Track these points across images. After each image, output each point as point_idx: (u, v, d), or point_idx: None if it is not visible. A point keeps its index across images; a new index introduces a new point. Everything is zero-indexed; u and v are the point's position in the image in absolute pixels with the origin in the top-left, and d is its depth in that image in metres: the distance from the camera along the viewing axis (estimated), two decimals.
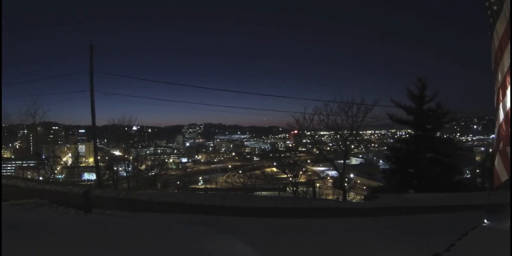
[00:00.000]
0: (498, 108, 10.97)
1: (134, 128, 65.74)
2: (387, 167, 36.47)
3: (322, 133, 52.43)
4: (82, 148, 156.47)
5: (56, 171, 53.69)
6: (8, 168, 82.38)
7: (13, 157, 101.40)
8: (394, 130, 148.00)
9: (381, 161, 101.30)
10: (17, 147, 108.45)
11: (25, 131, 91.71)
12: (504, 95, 10.59)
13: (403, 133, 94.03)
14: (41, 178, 46.53)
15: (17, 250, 9.34)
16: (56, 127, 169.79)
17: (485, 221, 12.04)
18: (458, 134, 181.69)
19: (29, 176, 53.69)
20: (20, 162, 76.29)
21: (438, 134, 34.72)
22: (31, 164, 68.14)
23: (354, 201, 36.34)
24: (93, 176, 71.13)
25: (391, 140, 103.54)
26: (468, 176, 41.07)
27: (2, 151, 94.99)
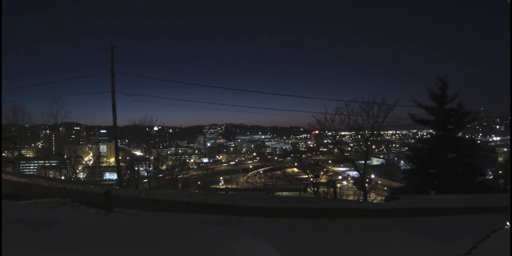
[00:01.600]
0: None
1: (155, 128, 66.09)
2: (408, 167, 36.28)
3: (343, 133, 52.22)
4: (103, 148, 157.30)
5: (77, 171, 54.09)
6: (31, 167, 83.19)
7: (35, 156, 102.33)
8: (416, 131, 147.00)
9: (402, 161, 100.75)
10: (40, 147, 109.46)
11: (48, 132, 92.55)
12: None
13: (425, 134, 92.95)
14: (63, 178, 46.90)
15: (39, 247, 9.42)
16: (78, 128, 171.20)
17: (508, 223, 11.87)
18: (481, 134, 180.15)
19: (51, 176, 54.19)
20: (42, 161, 77.09)
21: (460, 134, 34.46)
22: (53, 164, 68.82)
23: (375, 202, 36.15)
24: (114, 176, 71.59)
25: (413, 141, 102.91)
26: (490, 177, 40.70)
27: (25, 151, 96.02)
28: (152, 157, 54.32)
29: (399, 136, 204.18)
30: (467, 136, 46.85)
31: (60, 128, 73.61)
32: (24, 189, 27.09)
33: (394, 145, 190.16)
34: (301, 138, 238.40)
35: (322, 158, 56.96)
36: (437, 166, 30.22)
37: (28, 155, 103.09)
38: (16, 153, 59.31)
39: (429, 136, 42.72)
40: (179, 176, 48.17)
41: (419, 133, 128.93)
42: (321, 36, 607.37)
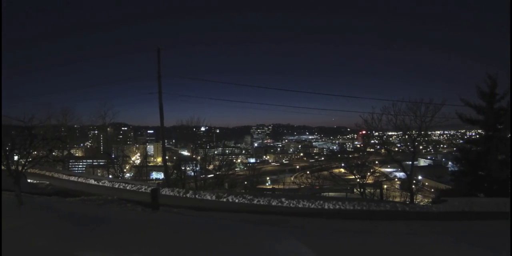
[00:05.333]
0: None
1: (202, 128, 66.50)
2: (456, 169, 35.59)
3: (390, 133, 51.59)
4: (150, 148, 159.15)
5: (125, 170, 54.86)
6: (80, 166, 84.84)
7: (84, 156, 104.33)
8: (464, 131, 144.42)
9: (450, 162, 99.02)
10: (88, 147, 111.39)
11: (96, 132, 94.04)
12: None
13: (473, 134, 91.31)
14: (110, 176, 47.63)
15: (85, 243, 9.64)
16: (125, 128, 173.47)
17: None
18: None
19: (99, 174, 55.13)
20: (90, 160, 78.72)
21: (510, 134, 33.71)
22: (101, 163, 70.24)
23: (422, 204, 35.68)
24: (161, 175, 72.58)
25: (461, 141, 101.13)
26: None
27: (74, 150, 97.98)
28: (199, 157, 54.49)
29: (447, 136, 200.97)
30: None
31: (108, 129, 74.79)
32: (73, 186, 27.74)
33: (442, 145, 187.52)
34: (348, 138, 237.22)
35: (369, 158, 56.50)
36: (486, 168, 29.55)
37: (77, 154, 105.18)
38: (65, 152, 60.46)
39: (478, 136, 41.93)
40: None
41: (468, 133, 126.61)
42: (368, 39, 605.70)
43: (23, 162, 17.88)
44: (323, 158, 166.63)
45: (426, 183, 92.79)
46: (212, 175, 48.35)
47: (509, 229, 11.98)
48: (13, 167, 17.61)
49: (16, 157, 18.46)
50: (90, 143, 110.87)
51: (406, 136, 34.77)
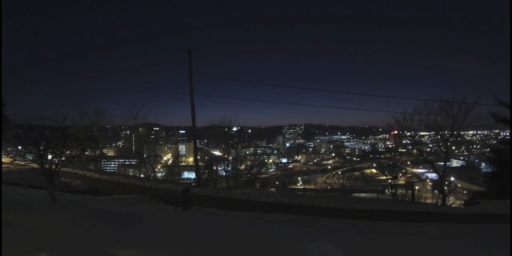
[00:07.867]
0: None
1: (234, 128, 66.58)
2: (489, 170, 35.13)
3: (422, 133, 51.09)
4: (182, 148, 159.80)
5: (156, 170, 55.28)
6: (112, 165, 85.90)
7: (116, 155, 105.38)
8: (498, 131, 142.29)
9: (483, 164, 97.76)
10: (120, 147, 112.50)
11: (128, 132, 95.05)
12: None
13: (507, 134, 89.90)
14: (142, 176, 48.08)
15: (119, 240, 9.78)
16: (157, 128, 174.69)
17: None
18: None
19: (130, 173, 55.68)
20: (122, 160, 79.57)
21: (510, 133, 33.14)
22: (133, 162, 70.99)
23: (454, 206, 35.26)
24: (192, 175, 72.94)
25: (494, 142, 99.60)
26: None
27: (107, 150, 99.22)
28: (230, 157, 54.56)
29: (480, 136, 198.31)
30: None
31: (140, 129, 75.49)
32: (105, 185, 28.14)
33: (475, 146, 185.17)
34: (380, 138, 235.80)
35: (401, 159, 56.12)
36: None
37: (109, 154, 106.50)
38: (98, 152, 61.37)
39: None
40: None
41: (502, 133, 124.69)
42: (399, 39, 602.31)
43: (56, 161, 18.23)
44: (354, 158, 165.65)
45: (459, 185, 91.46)
46: (243, 175, 48.30)
47: None
48: (47, 166, 17.97)
49: (50, 156, 18.81)
50: (122, 143, 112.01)
51: (438, 136, 34.53)
